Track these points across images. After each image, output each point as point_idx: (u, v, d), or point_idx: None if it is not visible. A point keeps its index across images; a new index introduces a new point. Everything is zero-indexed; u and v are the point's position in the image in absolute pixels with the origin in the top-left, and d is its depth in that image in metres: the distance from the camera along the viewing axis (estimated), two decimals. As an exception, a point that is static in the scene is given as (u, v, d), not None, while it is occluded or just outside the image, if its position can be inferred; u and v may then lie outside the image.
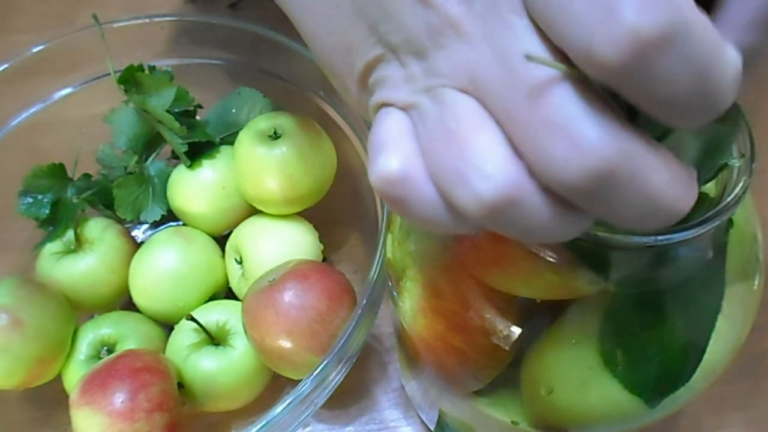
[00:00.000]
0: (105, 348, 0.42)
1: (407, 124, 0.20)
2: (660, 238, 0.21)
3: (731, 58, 0.16)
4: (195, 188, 0.46)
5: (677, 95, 0.16)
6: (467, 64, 0.18)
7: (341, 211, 0.49)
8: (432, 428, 0.40)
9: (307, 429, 0.43)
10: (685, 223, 0.21)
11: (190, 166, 0.46)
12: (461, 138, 0.18)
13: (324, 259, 0.46)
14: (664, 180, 0.17)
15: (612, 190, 0.17)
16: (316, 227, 0.46)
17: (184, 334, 0.41)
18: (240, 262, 0.45)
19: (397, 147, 0.20)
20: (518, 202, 0.18)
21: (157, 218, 0.47)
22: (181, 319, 0.42)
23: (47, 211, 0.46)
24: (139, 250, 0.45)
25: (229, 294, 0.46)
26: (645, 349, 0.25)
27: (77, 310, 0.44)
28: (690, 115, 0.17)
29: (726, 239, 0.25)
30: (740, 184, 0.22)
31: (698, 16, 0.15)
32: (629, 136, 0.16)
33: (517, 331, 0.27)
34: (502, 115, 0.18)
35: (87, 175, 0.48)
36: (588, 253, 0.24)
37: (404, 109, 0.20)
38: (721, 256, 0.25)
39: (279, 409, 0.33)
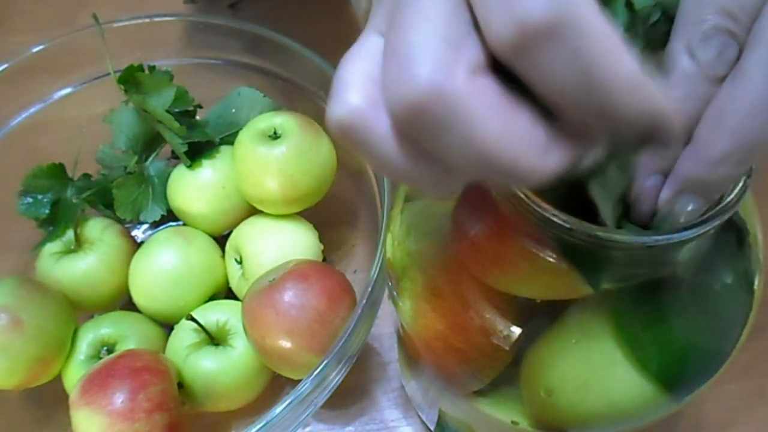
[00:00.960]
0: (105, 348, 0.42)
1: (375, 53, 0.18)
2: (660, 238, 0.21)
3: (626, 67, 0.16)
4: (195, 188, 0.46)
5: (562, 89, 0.16)
6: None
7: (341, 211, 0.49)
8: (432, 428, 0.40)
9: (307, 429, 0.43)
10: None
11: (190, 166, 0.46)
12: (408, 26, 0.17)
13: (324, 259, 0.46)
14: (489, 130, 0.16)
15: (431, 129, 0.16)
16: (316, 227, 0.46)
17: (184, 334, 0.41)
18: (240, 262, 0.45)
19: (357, 81, 0.18)
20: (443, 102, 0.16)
21: (157, 218, 0.47)
22: (181, 319, 0.42)
23: (47, 211, 0.46)
24: (139, 250, 0.45)
25: (229, 294, 0.46)
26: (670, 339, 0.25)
27: (77, 310, 0.44)
28: (581, 116, 0.16)
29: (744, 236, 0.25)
30: (740, 184, 0.22)
31: (593, 16, 0.15)
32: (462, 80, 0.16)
33: (517, 331, 0.27)
34: None
35: (87, 175, 0.48)
36: (588, 253, 0.24)
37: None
38: (740, 255, 0.25)
39: (279, 409, 0.33)
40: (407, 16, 0.17)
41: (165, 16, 0.50)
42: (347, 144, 0.18)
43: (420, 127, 0.17)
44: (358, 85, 0.18)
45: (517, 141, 0.17)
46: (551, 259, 0.24)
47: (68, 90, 0.50)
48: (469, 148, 0.16)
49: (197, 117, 0.48)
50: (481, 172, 0.17)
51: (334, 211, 0.47)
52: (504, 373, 0.28)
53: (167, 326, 0.44)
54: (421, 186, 0.19)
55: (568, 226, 0.22)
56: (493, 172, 0.17)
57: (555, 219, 0.22)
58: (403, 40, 0.16)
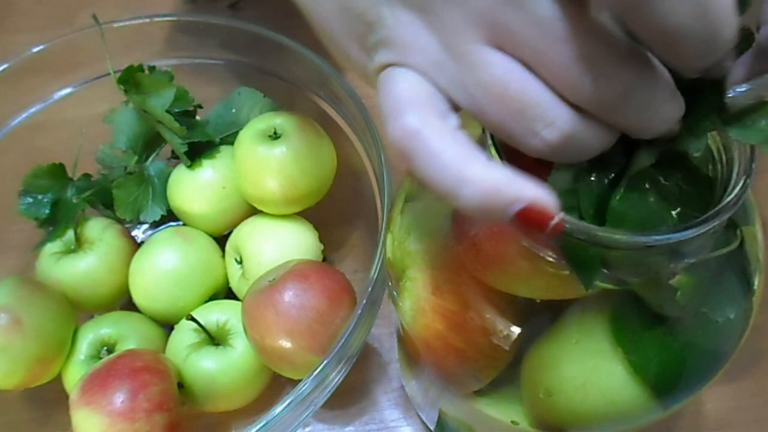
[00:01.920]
0: (105, 348, 0.42)
1: (425, 84, 0.22)
2: (659, 238, 0.21)
3: None
4: (195, 188, 0.46)
5: (679, 25, 0.17)
6: (481, 15, 0.20)
7: (341, 211, 0.49)
8: (432, 428, 0.40)
9: (307, 429, 0.43)
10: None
11: (190, 166, 0.46)
12: (513, 96, 0.20)
13: (324, 259, 0.46)
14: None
15: (629, 101, 0.20)
16: (316, 227, 0.46)
17: (184, 334, 0.41)
18: (240, 262, 0.45)
19: (418, 105, 0.21)
20: (576, 136, 0.20)
21: (157, 218, 0.47)
22: (181, 319, 0.42)
23: (47, 211, 0.46)
24: (139, 250, 0.45)
25: (229, 294, 0.46)
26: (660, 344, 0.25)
27: (77, 310, 0.44)
28: (693, 49, 0.18)
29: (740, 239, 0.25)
30: (740, 184, 0.22)
31: None
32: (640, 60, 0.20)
33: (517, 331, 0.27)
34: (534, 59, 0.20)
35: (87, 175, 0.48)
36: (588, 253, 0.24)
37: (418, 69, 0.22)
38: (740, 255, 0.25)
39: (279, 409, 0.33)
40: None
41: (165, 16, 0.50)
42: (405, 156, 0.21)
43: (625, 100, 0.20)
44: (415, 107, 0.21)
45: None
46: (551, 259, 0.24)
47: (68, 90, 0.50)
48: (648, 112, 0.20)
49: (197, 117, 0.48)
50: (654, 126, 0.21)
51: (334, 211, 0.47)
52: (504, 373, 0.28)
53: (167, 326, 0.44)
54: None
55: (568, 226, 0.22)
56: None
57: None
58: (583, 53, 0.19)
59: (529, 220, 0.20)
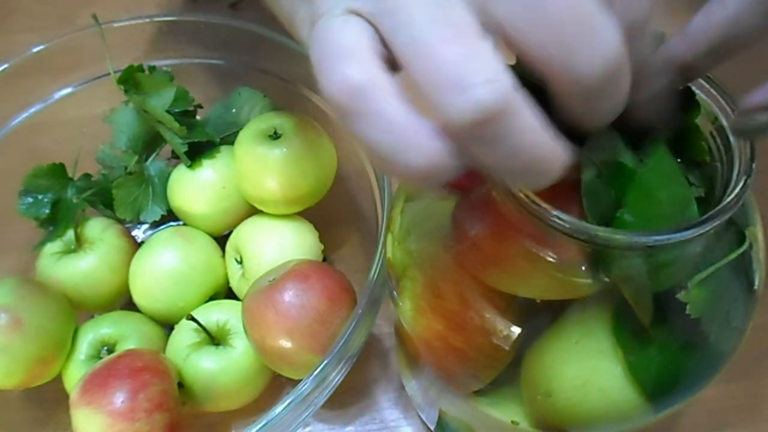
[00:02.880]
0: (105, 348, 0.42)
1: (368, 31, 0.19)
2: (660, 238, 0.21)
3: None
4: (195, 188, 0.46)
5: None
6: None
7: (341, 211, 0.49)
8: (432, 428, 0.40)
9: (307, 429, 0.43)
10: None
11: (190, 166, 0.46)
12: (456, 41, 0.18)
13: (324, 259, 0.46)
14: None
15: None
16: (316, 227, 0.46)
17: (184, 334, 0.41)
18: (240, 262, 0.45)
19: (359, 55, 0.19)
20: (510, 111, 0.18)
21: (157, 218, 0.47)
22: (181, 319, 0.42)
23: (47, 211, 0.46)
24: (139, 250, 0.45)
25: (229, 294, 0.46)
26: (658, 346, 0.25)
27: (77, 310, 0.44)
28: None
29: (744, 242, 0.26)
30: (740, 184, 0.22)
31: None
32: None
33: (517, 331, 0.27)
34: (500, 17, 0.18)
35: (87, 175, 0.48)
36: (588, 253, 0.24)
37: (359, 14, 0.19)
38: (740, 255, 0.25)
39: (279, 409, 0.33)
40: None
41: (165, 16, 0.50)
42: (347, 112, 0.19)
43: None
44: (364, 57, 0.19)
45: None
46: (551, 259, 0.24)
47: (68, 90, 0.50)
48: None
49: (197, 117, 0.48)
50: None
51: (334, 211, 0.47)
52: (504, 373, 0.28)
53: (167, 326, 0.44)
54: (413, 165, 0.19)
55: (568, 226, 0.22)
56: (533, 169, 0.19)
57: (555, 219, 0.22)
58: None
59: (463, 185, 0.20)
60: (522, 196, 0.22)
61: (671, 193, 0.23)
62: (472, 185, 0.23)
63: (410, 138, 0.19)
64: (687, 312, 0.24)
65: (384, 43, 0.19)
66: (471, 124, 0.18)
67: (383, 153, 0.19)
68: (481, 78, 0.17)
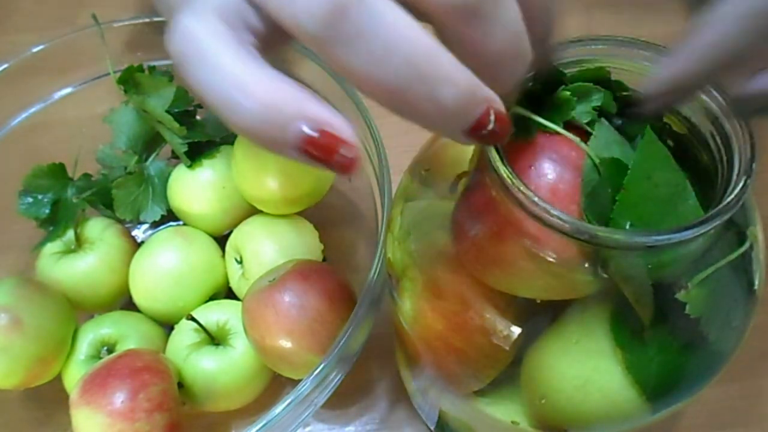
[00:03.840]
0: (105, 348, 0.42)
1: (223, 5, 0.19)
2: (660, 238, 0.21)
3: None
4: (195, 188, 0.46)
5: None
6: None
7: (341, 211, 0.49)
8: (432, 428, 0.40)
9: (307, 429, 0.43)
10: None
11: (190, 166, 0.46)
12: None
13: (324, 259, 0.46)
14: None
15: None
16: (316, 227, 0.46)
17: (184, 334, 0.41)
18: (240, 262, 0.45)
19: (202, 10, 0.19)
20: (355, 8, 0.17)
21: (157, 218, 0.47)
22: (181, 319, 0.42)
23: (47, 211, 0.46)
24: (139, 250, 0.45)
25: (229, 294, 0.46)
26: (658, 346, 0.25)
27: (77, 310, 0.44)
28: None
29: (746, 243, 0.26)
30: (740, 184, 0.22)
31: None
32: None
33: (517, 331, 0.27)
34: None
35: (87, 175, 0.48)
36: (587, 253, 0.24)
37: None
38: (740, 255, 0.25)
39: (279, 409, 0.33)
40: None
41: (165, 16, 0.49)
42: (178, 62, 0.19)
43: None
44: (198, 11, 0.19)
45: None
46: (551, 259, 0.24)
47: (68, 90, 0.50)
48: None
49: (197, 117, 0.48)
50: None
51: (334, 211, 0.47)
52: (504, 373, 0.28)
53: (167, 326, 0.44)
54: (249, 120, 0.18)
55: (568, 226, 0.22)
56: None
57: (555, 219, 0.22)
58: None
59: (313, 145, 0.17)
60: (522, 195, 0.22)
61: (666, 175, 0.23)
62: None
63: (244, 84, 0.18)
64: (687, 312, 0.24)
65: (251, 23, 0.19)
66: (323, 22, 0.17)
67: (216, 100, 0.18)
68: None
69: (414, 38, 0.17)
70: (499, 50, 0.19)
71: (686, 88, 0.24)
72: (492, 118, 0.19)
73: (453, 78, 0.18)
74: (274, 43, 0.20)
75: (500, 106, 0.19)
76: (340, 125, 0.18)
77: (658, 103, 0.25)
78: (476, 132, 0.19)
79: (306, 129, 0.17)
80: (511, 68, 0.20)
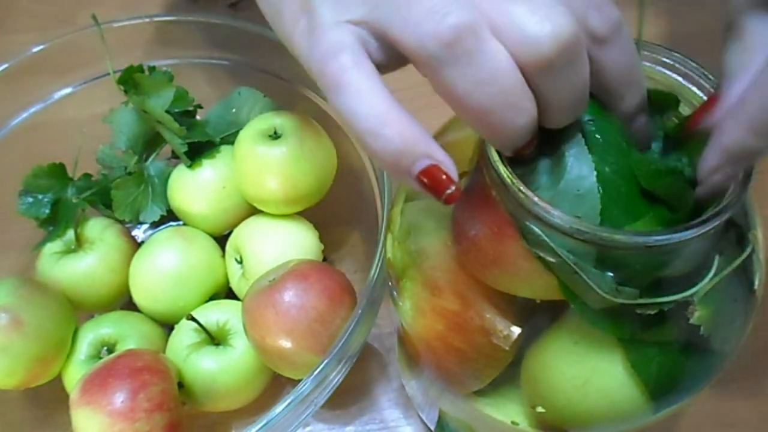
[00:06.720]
0: (105, 348, 0.42)
1: (359, 32, 0.23)
2: (660, 238, 0.21)
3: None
4: (195, 188, 0.46)
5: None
6: None
7: (341, 211, 0.49)
8: (432, 428, 0.40)
9: (307, 429, 0.43)
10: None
11: (190, 166, 0.46)
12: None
13: (324, 259, 0.46)
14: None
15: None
16: (316, 227, 0.46)
17: (184, 334, 0.41)
18: (240, 262, 0.45)
19: (352, 47, 0.22)
20: (477, 31, 0.20)
21: (156, 219, 0.47)
22: (181, 319, 0.42)
23: (47, 211, 0.46)
24: (139, 250, 0.45)
25: (229, 294, 0.46)
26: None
27: (77, 310, 0.44)
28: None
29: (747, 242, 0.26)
30: (740, 184, 0.22)
31: None
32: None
33: (517, 331, 0.27)
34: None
35: (87, 175, 0.48)
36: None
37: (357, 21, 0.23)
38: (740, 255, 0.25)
39: (279, 409, 0.33)
40: None
41: (165, 16, 0.50)
42: (330, 89, 0.23)
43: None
44: (350, 48, 0.23)
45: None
46: (551, 260, 0.24)
47: (68, 90, 0.50)
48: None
49: (197, 117, 0.48)
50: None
51: (334, 211, 0.47)
52: (504, 373, 0.28)
53: (167, 326, 0.44)
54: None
55: (568, 226, 0.22)
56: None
57: (555, 219, 0.22)
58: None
59: (430, 179, 0.22)
60: (521, 195, 0.22)
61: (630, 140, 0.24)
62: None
63: (382, 115, 0.22)
64: (701, 333, 0.24)
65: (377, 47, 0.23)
66: (443, 43, 0.20)
67: (365, 128, 0.22)
68: (448, 8, 0.20)
69: (511, 70, 0.21)
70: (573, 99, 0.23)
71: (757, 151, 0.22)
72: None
73: (529, 110, 0.22)
74: (383, 70, 0.24)
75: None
76: (451, 166, 0.22)
77: (715, 180, 0.23)
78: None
79: (426, 165, 0.22)
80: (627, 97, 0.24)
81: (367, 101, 0.22)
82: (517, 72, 0.21)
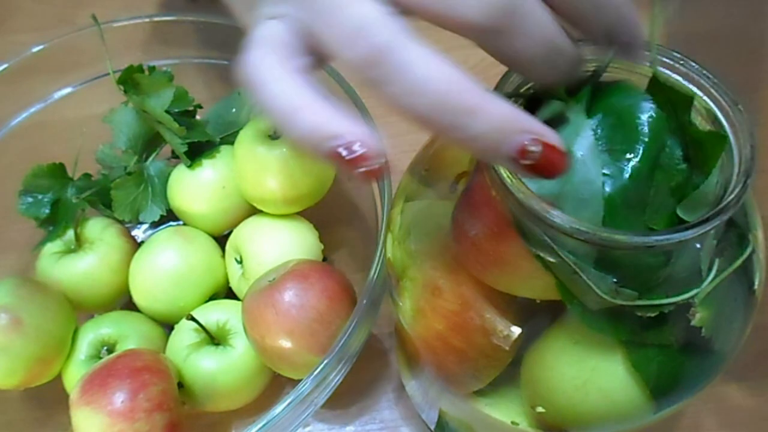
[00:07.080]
0: (105, 348, 0.42)
1: (285, 31, 0.24)
2: (660, 238, 0.21)
3: None
4: (195, 188, 0.46)
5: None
6: None
7: (341, 211, 0.49)
8: (432, 428, 0.40)
9: (307, 429, 0.43)
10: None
11: (190, 166, 0.46)
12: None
13: (324, 259, 0.46)
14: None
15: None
16: (316, 227, 0.46)
17: (184, 333, 0.41)
18: (240, 262, 0.45)
19: (265, 45, 0.24)
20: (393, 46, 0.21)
21: (156, 219, 0.47)
22: (181, 319, 0.42)
23: (47, 211, 0.46)
24: (139, 250, 0.45)
25: (229, 294, 0.46)
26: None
27: (77, 310, 0.44)
28: None
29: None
30: (740, 184, 0.22)
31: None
32: None
33: (517, 331, 0.27)
34: None
35: (87, 175, 0.48)
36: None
37: (289, 18, 0.24)
38: (740, 255, 0.25)
39: (279, 409, 0.33)
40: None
41: (165, 16, 0.50)
42: (248, 87, 0.24)
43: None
44: (261, 45, 0.25)
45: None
46: (551, 260, 0.24)
47: (68, 90, 0.50)
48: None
49: (197, 117, 0.48)
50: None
51: (334, 211, 0.47)
52: (504, 373, 0.28)
53: (167, 326, 0.44)
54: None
55: (568, 226, 0.22)
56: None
57: (555, 219, 0.22)
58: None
59: (348, 152, 0.21)
60: (521, 195, 0.22)
61: None
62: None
63: (295, 104, 0.22)
64: (702, 335, 0.24)
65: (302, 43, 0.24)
66: (365, 63, 0.21)
67: (279, 119, 0.23)
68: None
69: (442, 75, 0.20)
70: (531, 57, 0.22)
71: None
72: (535, 148, 0.20)
73: (484, 109, 0.20)
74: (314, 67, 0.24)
75: (550, 138, 0.20)
76: (371, 141, 0.21)
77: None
78: (518, 161, 0.21)
79: (341, 142, 0.21)
80: (547, 67, 0.23)
81: (274, 94, 0.23)
82: (451, 70, 0.20)
